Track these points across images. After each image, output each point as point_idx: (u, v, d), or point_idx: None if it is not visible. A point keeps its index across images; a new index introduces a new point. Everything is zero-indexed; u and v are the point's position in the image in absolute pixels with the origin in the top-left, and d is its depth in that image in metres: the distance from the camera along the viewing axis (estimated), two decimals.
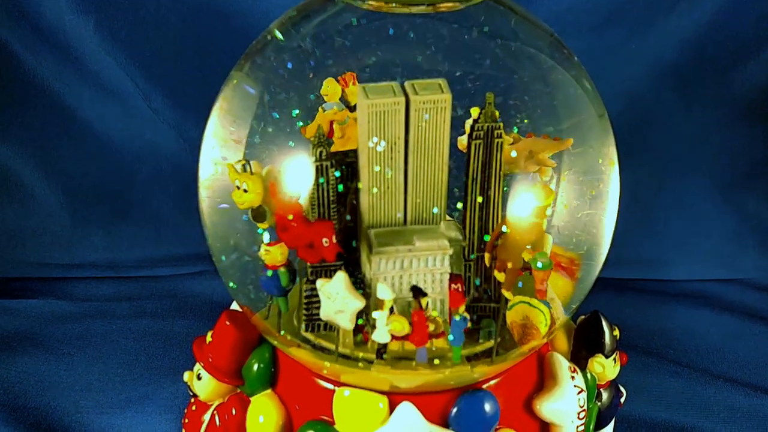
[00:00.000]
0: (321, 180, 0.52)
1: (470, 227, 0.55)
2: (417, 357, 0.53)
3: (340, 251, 0.52)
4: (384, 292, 0.50)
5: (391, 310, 0.53)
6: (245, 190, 0.50)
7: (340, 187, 0.53)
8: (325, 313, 0.51)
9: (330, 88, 0.54)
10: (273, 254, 0.52)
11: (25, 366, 0.80)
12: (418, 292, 0.52)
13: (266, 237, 0.53)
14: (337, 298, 0.50)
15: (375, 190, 0.53)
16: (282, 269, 0.52)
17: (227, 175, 0.51)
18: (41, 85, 0.94)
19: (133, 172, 0.98)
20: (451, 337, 0.52)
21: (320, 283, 0.50)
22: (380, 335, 0.51)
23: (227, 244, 0.57)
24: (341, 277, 0.50)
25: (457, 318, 0.51)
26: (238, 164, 0.52)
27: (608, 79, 0.93)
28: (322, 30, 0.56)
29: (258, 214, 0.52)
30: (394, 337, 0.51)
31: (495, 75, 0.54)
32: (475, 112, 0.54)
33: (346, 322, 0.50)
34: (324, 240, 0.50)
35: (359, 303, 0.50)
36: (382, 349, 0.53)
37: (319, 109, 0.55)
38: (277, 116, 0.54)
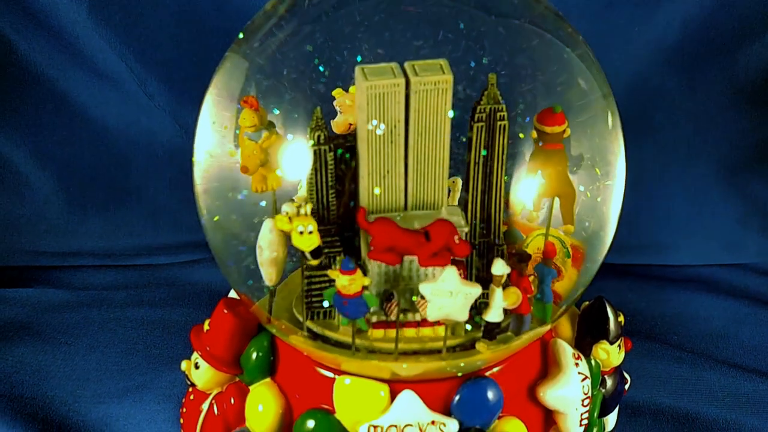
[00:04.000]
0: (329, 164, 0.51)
1: (473, 212, 0.54)
2: (520, 328, 0.52)
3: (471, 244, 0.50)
4: (500, 267, 0.49)
5: (390, 296, 0.52)
6: (310, 232, 0.48)
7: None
8: (436, 313, 0.49)
9: (253, 117, 0.51)
10: (358, 281, 0.49)
11: (22, 356, 0.80)
12: (522, 257, 0.51)
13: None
14: (457, 293, 0.48)
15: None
16: (366, 292, 0.50)
17: (277, 225, 0.49)
18: (34, 71, 0.93)
19: (129, 159, 0.97)
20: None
21: (428, 288, 0.49)
22: (496, 313, 0.50)
23: (224, 230, 0.56)
24: (453, 271, 0.48)
25: (547, 269, 0.50)
26: (291, 208, 0.49)
27: (612, 62, 0.91)
28: (320, 9, 0.54)
29: (319, 251, 0.50)
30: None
31: (498, 54, 0.52)
32: None
33: (464, 314, 0.49)
34: (456, 238, 0.48)
35: (479, 289, 0.49)
36: (496, 329, 0.52)
37: (242, 139, 0.51)
38: (276, 110, 0.53)
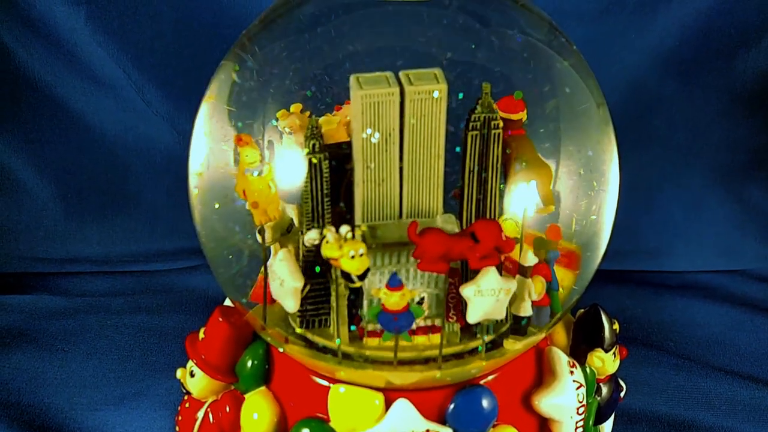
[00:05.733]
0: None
1: (467, 220, 0.54)
2: (541, 320, 0.53)
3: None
4: (531, 257, 0.49)
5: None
6: (361, 254, 0.48)
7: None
8: (477, 314, 0.49)
9: (255, 154, 0.51)
10: (407, 295, 0.49)
11: (19, 362, 0.80)
12: (541, 242, 0.51)
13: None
14: (499, 291, 0.48)
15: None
16: (413, 304, 0.49)
17: (326, 253, 0.48)
18: (32, 78, 0.93)
19: (127, 165, 0.97)
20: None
21: (471, 289, 0.49)
22: (528, 306, 0.50)
23: (220, 238, 0.56)
24: (493, 270, 0.48)
25: (552, 252, 0.51)
26: (332, 234, 0.48)
27: (609, 68, 0.92)
28: (315, 18, 0.54)
29: (366, 272, 0.49)
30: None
31: (492, 64, 0.53)
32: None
33: (503, 312, 0.50)
34: (503, 235, 0.48)
35: (515, 282, 0.49)
36: (526, 324, 0.52)
37: (246, 176, 0.51)
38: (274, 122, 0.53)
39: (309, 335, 0.55)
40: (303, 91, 0.54)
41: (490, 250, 0.48)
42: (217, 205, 0.55)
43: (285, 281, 0.50)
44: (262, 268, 0.54)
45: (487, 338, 0.53)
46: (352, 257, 0.48)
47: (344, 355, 0.53)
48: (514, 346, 0.53)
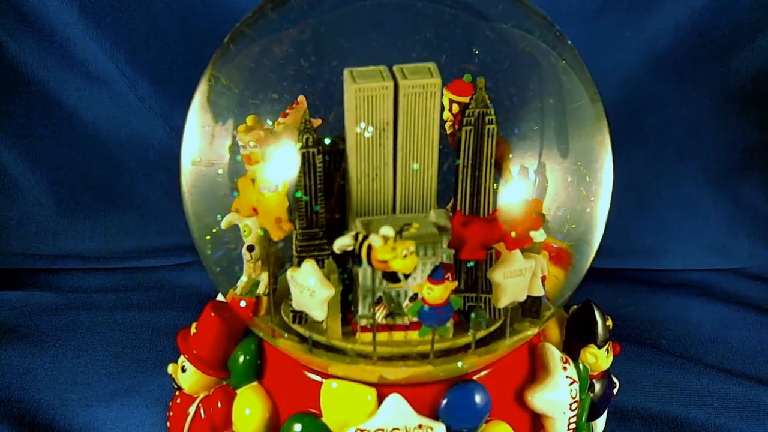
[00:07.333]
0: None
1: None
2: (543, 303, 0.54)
3: None
4: (541, 233, 0.50)
5: (379, 300, 0.52)
6: (411, 252, 0.47)
7: None
8: (506, 299, 0.50)
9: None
10: (449, 286, 0.48)
11: (9, 358, 0.79)
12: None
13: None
14: (524, 271, 0.49)
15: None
16: (452, 295, 0.49)
17: (378, 256, 0.47)
18: (25, 73, 0.93)
19: (120, 161, 0.97)
20: None
21: (500, 273, 0.49)
22: (539, 285, 0.51)
23: (212, 235, 0.56)
24: (517, 251, 0.49)
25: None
26: (377, 240, 0.47)
27: (603, 67, 0.92)
28: (306, 13, 0.54)
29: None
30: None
31: (486, 59, 0.53)
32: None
33: (524, 293, 0.51)
34: (533, 214, 0.49)
35: (534, 260, 0.50)
36: (539, 305, 0.53)
37: (262, 194, 0.50)
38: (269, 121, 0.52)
39: (302, 330, 0.55)
40: (292, 88, 0.53)
41: (525, 231, 0.48)
42: (208, 218, 0.54)
43: (316, 292, 0.49)
44: (248, 279, 0.54)
45: (483, 332, 0.53)
46: (405, 256, 0.47)
47: (337, 350, 0.53)
48: (530, 329, 0.53)
